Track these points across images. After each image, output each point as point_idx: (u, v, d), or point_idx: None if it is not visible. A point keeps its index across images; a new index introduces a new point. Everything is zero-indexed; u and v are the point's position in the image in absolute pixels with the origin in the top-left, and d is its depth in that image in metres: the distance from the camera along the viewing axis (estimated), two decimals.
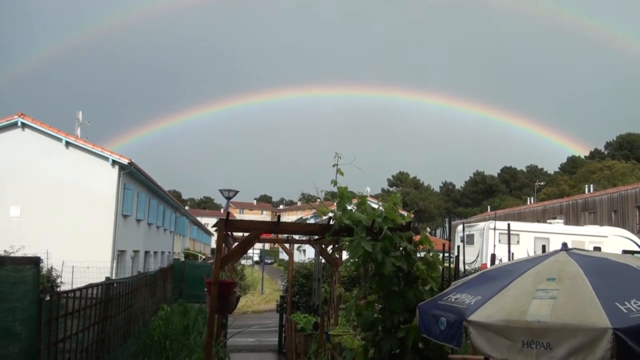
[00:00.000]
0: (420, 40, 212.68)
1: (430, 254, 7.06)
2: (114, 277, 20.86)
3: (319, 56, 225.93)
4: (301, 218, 74.45)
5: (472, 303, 4.61)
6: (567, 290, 4.17)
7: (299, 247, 15.32)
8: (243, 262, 47.91)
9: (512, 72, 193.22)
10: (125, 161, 27.24)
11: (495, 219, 27.91)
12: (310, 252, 14.32)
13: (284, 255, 68.53)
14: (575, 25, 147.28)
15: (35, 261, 5.27)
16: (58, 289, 18.20)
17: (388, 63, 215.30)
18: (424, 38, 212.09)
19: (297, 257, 20.96)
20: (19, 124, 26.32)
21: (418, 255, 6.97)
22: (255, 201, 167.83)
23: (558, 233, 26.62)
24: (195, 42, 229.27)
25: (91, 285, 7.30)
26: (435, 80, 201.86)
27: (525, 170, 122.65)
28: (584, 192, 55.19)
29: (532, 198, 75.48)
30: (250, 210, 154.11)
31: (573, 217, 47.64)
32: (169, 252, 45.46)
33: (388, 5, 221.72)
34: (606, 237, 27.71)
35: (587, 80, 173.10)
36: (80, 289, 6.82)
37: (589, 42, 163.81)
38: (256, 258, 73.35)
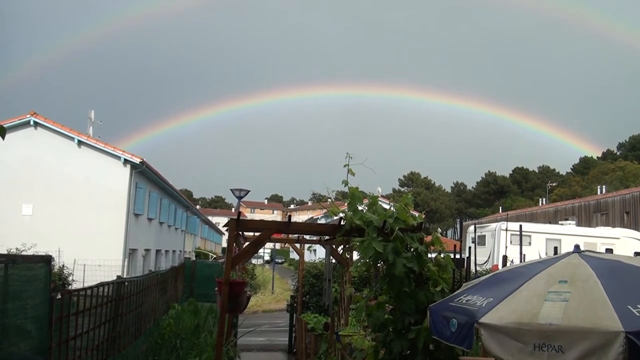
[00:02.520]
0: (429, 39, 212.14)
1: (442, 255, 7.04)
2: (125, 276, 20.97)
3: (326, 56, 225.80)
4: (312, 218, 74.46)
5: (483, 305, 4.59)
6: (579, 292, 4.15)
7: (310, 247, 15.33)
8: (254, 261, 47.96)
9: (523, 71, 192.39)
10: (137, 160, 27.34)
11: (506, 219, 27.80)
12: (320, 252, 14.34)
13: (294, 255, 68.49)
14: (587, 23, 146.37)
15: (47, 259, 5.30)
16: (69, 287, 18.30)
17: (397, 62, 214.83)
18: (432, 37, 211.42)
19: (308, 257, 20.97)
20: (32, 122, 26.46)
21: (429, 256, 6.96)
22: (266, 201, 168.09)
23: (570, 234, 26.47)
24: (203, 43, 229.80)
25: (102, 284, 7.33)
26: (447, 79, 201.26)
27: (537, 170, 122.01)
28: (596, 193, 54.82)
29: (543, 199, 75.13)
30: (261, 209, 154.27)
31: (585, 218, 47.32)
32: (180, 251, 45.56)
33: (395, 4, 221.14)
34: (618, 238, 27.53)
35: (600, 80, 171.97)
36: (91, 288, 6.86)
37: (600, 41, 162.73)
38: (267, 257, 73.47)
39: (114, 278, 8.90)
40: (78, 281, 20.64)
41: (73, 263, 22.51)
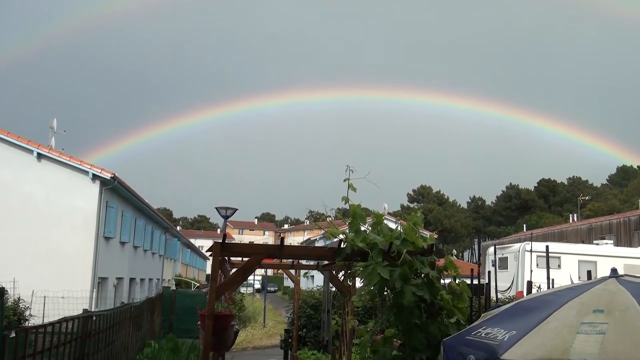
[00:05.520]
0: (439, 38, 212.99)
1: (457, 281, 7.01)
2: (93, 309, 20.88)
3: (320, 59, 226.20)
4: (308, 240, 74.60)
5: (505, 339, 4.55)
6: (618, 324, 4.10)
7: (306, 273, 15.28)
8: (242, 290, 47.88)
9: (550, 70, 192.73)
10: (107, 175, 27.27)
11: (531, 239, 27.84)
12: (319, 278, 14.28)
13: (289, 282, 68.55)
14: (625, 15, 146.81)
15: None
16: (26, 324, 18.20)
17: (403, 62, 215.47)
18: (443, 35, 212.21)
19: (304, 284, 20.93)
20: None
21: (442, 282, 6.93)
22: (256, 220, 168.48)
23: (607, 256, 26.48)
24: (181, 47, 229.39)
25: (66, 319, 7.29)
26: (462, 80, 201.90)
27: (566, 182, 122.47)
28: (637, 208, 54.93)
29: (575, 215, 75.35)
30: (250, 230, 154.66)
31: (625, 236, 47.31)
32: (158, 279, 45.55)
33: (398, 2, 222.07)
34: None
35: (639, 77, 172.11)
36: (52, 324, 6.81)
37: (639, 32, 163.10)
38: (257, 285, 73.43)
39: (80, 312, 8.85)
40: (37, 316, 20.51)
41: (31, 295, 22.33)
